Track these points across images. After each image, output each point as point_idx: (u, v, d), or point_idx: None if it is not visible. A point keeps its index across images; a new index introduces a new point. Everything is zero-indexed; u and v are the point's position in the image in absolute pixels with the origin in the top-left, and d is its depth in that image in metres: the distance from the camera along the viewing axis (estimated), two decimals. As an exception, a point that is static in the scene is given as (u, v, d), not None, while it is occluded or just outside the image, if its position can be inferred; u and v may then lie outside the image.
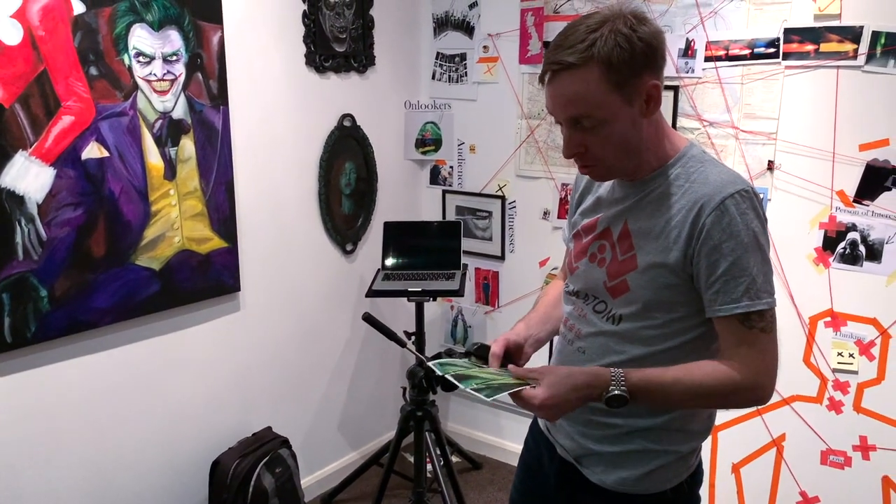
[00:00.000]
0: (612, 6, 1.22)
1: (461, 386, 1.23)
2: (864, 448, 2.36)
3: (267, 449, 2.56)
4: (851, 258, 2.30)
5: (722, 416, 2.61)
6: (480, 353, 1.38)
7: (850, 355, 2.34)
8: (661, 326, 1.28)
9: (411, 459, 2.92)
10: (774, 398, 2.46)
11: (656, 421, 1.32)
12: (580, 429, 1.38)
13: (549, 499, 1.49)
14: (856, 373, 2.34)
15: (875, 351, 2.30)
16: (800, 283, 2.40)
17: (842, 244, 2.31)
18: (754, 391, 1.24)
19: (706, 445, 2.64)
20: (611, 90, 1.18)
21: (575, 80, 1.18)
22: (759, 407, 1.30)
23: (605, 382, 1.22)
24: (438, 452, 2.71)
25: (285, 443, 2.65)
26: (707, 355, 1.28)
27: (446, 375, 1.26)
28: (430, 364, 1.33)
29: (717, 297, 1.22)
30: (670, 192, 1.27)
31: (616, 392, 1.20)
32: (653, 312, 1.28)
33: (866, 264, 2.28)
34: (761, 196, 2.41)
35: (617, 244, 1.32)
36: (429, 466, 2.74)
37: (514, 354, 1.42)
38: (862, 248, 2.28)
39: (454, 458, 3.16)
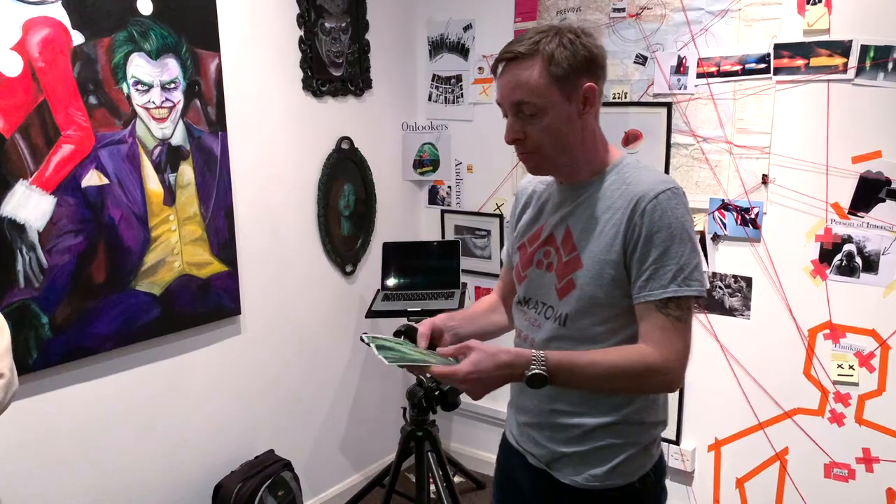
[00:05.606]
0: (562, 22, 1.32)
1: (376, 353, 1.30)
2: (868, 460, 2.35)
3: (269, 472, 2.55)
4: (848, 270, 2.31)
5: (724, 430, 2.61)
6: (409, 334, 1.46)
7: (850, 367, 2.34)
8: (606, 322, 1.37)
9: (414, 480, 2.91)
10: (776, 411, 2.48)
11: (615, 417, 1.40)
12: (547, 434, 1.46)
13: None
14: (856, 384, 2.34)
15: (875, 362, 2.30)
16: (797, 295, 2.40)
17: (838, 256, 2.32)
18: (665, 374, 1.31)
19: (709, 461, 2.65)
20: (551, 83, 1.32)
21: (521, 69, 1.33)
22: (669, 392, 1.42)
23: (526, 362, 1.28)
24: (441, 473, 2.70)
25: (288, 465, 2.64)
26: None
27: (370, 344, 1.34)
28: (361, 336, 1.43)
29: (647, 284, 1.31)
30: (608, 195, 1.38)
31: (536, 371, 1.26)
32: (597, 308, 1.37)
33: (863, 275, 2.28)
34: (756, 209, 2.44)
35: (561, 247, 1.42)
36: (432, 487, 2.73)
37: (436, 339, 1.50)
38: (858, 260, 2.29)
39: (457, 479, 3.15)
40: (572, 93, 1.33)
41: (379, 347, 1.33)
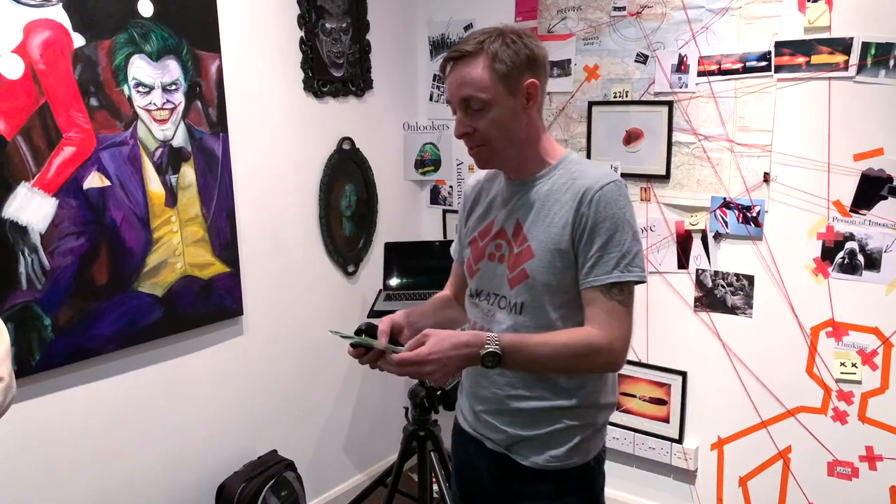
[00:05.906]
0: (505, 25, 1.45)
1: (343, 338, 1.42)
2: (871, 458, 2.34)
3: (272, 472, 2.56)
4: (850, 268, 2.30)
5: (727, 429, 2.61)
6: (370, 331, 1.51)
7: (853, 365, 2.33)
8: (559, 308, 1.45)
9: (417, 480, 2.91)
10: (779, 410, 2.48)
11: (571, 400, 1.48)
12: (506, 419, 1.52)
13: (485, 492, 1.61)
14: (859, 382, 2.33)
15: (878, 360, 2.30)
16: (800, 293, 2.40)
17: (840, 254, 2.31)
18: (609, 353, 1.39)
19: (713, 459, 2.65)
20: (496, 79, 1.40)
21: (467, 66, 1.41)
22: (614, 371, 1.50)
23: (481, 341, 1.36)
24: (443, 472, 2.70)
25: (291, 466, 2.65)
26: None
27: (336, 332, 1.46)
28: (329, 330, 1.53)
29: (593, 270, 1.40)
30: (555, 189, 1.46)
31: (491, 349, 1.34)
32: (549, 296, 1.44)
33: (865, 273, 2.28)
34: (758, 207, 2.43)
35: (512, 239, 1.49)
36: (435, 486, 2.73)
37: (396, 335, 1.54)
38: (860, 258, 2.28)
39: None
40: (516, 88, 1.41)
41: (344, 337, 1.42)
